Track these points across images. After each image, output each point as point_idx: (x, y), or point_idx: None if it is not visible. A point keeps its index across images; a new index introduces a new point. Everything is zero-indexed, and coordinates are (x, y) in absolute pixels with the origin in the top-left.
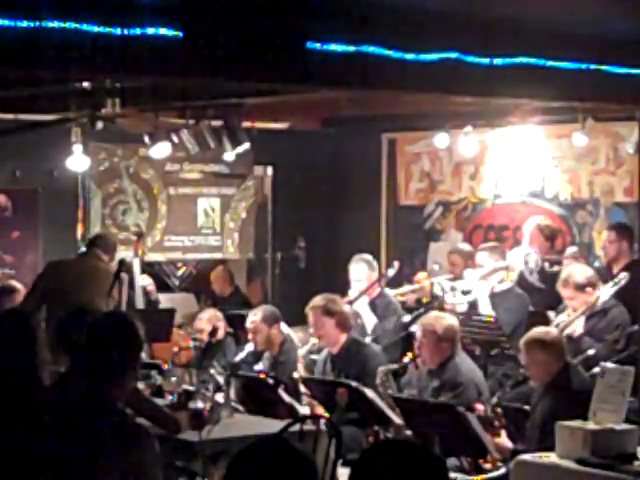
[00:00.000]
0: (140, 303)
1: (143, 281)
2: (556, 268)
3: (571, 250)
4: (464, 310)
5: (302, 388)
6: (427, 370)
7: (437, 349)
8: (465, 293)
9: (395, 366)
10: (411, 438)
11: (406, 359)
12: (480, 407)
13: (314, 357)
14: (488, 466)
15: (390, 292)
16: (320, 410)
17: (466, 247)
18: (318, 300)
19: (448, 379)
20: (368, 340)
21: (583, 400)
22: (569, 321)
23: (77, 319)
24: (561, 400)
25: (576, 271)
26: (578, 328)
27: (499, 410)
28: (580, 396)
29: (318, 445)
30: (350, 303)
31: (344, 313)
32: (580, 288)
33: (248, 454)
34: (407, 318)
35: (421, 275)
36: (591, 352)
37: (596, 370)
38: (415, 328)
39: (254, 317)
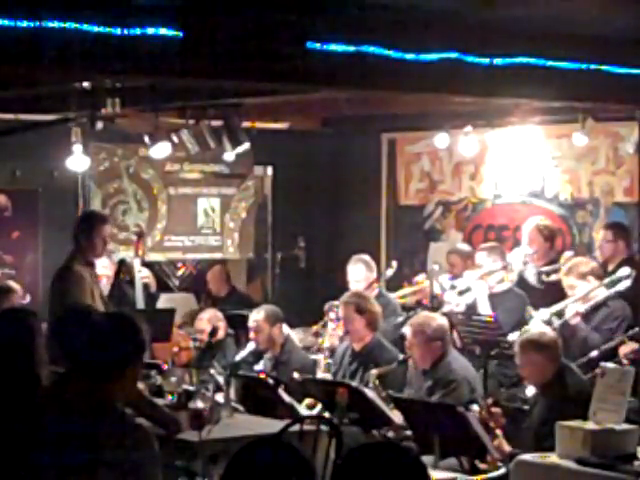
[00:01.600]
0: (140, 303)
1: (140, 273)
2: (554, 277)
3: (567, 255)
4: (464, 310)
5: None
6: (421, 370)
7: (428, 349)
8: (462, 293)
9: (393, 366)
10: (411, 438)
11: (398, 360)
12: (475, 408)
13: (314, 357)
14: (488, 466)
15: (391, 294)
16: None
17: (465, 247)
18: (350, 296)
19: (440, 377)
20: None
21: (579, 402)
22: (564, 305)
23: (71, 318)
24: (557, 402)
25: (582, 261)
26: (573, 318)
27: (497, 410)
28: (576, 397)
29: (318, 445)
30: None
31: (375, 313)
32: (582, 276)
33: (245, 454)
34: (400, 319)
35: (421, 277)
36: (594, 354)
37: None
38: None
39: (257, 316)
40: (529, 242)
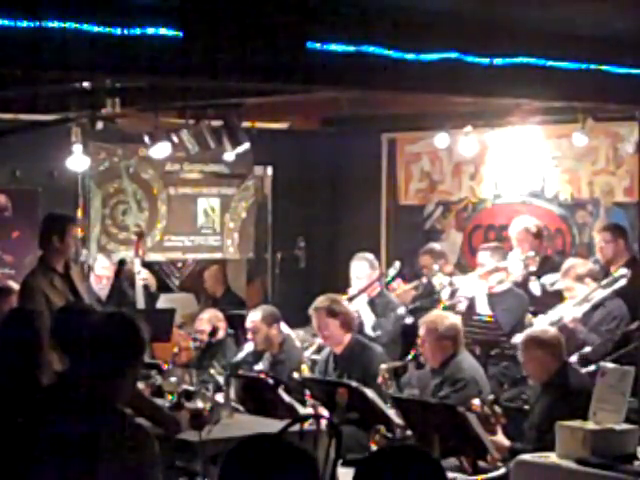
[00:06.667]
0: (141, 303)
1: (139, 274)
2: (558, 286)
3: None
4: (463, 309)
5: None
6: (430, 368)
7: (439, 347)
8: (454, 293)
9: (398, 364)
10: (412, 438)
11: (409, 357)
12: (476, 402)
13: (315, 357)
14: (488, 465)
15: (391, 294)
16: (322, 410)
17: (437, 247)
18: (321, 301)
19: (449, 376)
20: (367, 339)
21: (581, 399)
22: (562, 311)
23: (71, 318)
24: (559, 399)
25: (578, 263)
26: (571, 323)
27: (497, 408)
28: (578, 395)
29: (318, 445)
30: (349, 300)
31: (348, 313)
32: (580, 279)
33: (244, 452)
34: (401, 310)
35: (396, 283)
36: (588, 349)
37: (592, 368)
38: (410, 321)
39: (254, 317)
40: (519, 244)
